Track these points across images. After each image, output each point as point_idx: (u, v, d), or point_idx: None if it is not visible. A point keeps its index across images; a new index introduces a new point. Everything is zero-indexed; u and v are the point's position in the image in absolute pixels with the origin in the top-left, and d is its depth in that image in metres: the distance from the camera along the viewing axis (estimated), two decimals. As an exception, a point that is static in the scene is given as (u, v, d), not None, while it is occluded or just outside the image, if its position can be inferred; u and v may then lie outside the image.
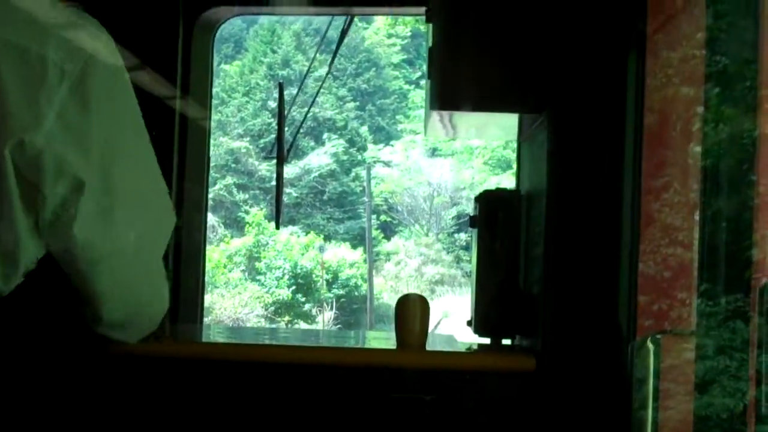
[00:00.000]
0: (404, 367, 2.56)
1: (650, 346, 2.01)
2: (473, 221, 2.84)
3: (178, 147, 3.33)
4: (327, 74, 4.50)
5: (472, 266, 2.89)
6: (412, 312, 2.62)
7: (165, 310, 2.12)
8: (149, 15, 3.32)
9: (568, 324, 2.45)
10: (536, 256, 2.61)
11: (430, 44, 2.62)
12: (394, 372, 2.56)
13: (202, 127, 3.48)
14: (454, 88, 2.60)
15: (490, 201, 2.80)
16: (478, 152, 29.90)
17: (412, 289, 26.36)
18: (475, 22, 2.58)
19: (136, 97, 3.03)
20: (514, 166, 3.08)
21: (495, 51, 2.58)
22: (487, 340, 2.81)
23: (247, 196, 29.38)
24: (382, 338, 3.15)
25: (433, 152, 30.84)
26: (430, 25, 2.64)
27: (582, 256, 2.44)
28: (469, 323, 2.88)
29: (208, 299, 22.47)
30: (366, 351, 2.79)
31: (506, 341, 2.83)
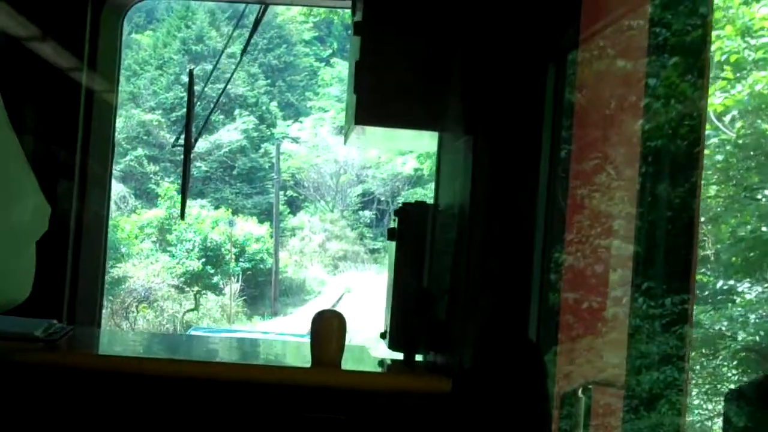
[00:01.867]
0: (319, 385, 2.44)
1: (581, 397, 1.89)
2: (391, 234, 2.74)
3: (83, 128, 3.18)
4: (238, 65, 4.35)
5: (388, 279, 2.77)
6: (327, 329, 2.51)
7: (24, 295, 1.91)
8: None
9: (485, 343, 2.37)
10: (454, 270, 2.53)
11: (357, 57, 2.51)
12: (308, 390, 2.44)
13: (108, 107, 3.34)
14: (381, 104, 2.53)
15: (409, 215, 2.69)
16: (384, 133, 29.79)
17: (316, 264, 26.33)
18: (403, 40, 2.50)
19: (44, 75, 2.85)
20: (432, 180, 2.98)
21: (421, 69, 2.50)
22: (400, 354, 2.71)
23: (157, 168, 28.81)
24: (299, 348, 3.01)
25: (341, 130, 30.65)
26: (357, 37, 2.52)
27: (499, 271, 2.37)
28: (382, 336, 2.77)
29: (121, 268, 22.25)
30: (280, 368, 2.65)
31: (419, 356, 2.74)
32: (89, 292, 3.26)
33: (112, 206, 25.12)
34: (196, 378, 2.44)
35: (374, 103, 2.52)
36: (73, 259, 3.19)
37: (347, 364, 2.54)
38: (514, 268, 2.35)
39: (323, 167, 30.55)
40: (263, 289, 25.32)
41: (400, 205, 2.73)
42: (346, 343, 2.53)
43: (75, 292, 3.19)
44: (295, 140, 31.09)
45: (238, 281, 24.40)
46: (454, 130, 2.55)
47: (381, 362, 2.71)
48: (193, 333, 7.92)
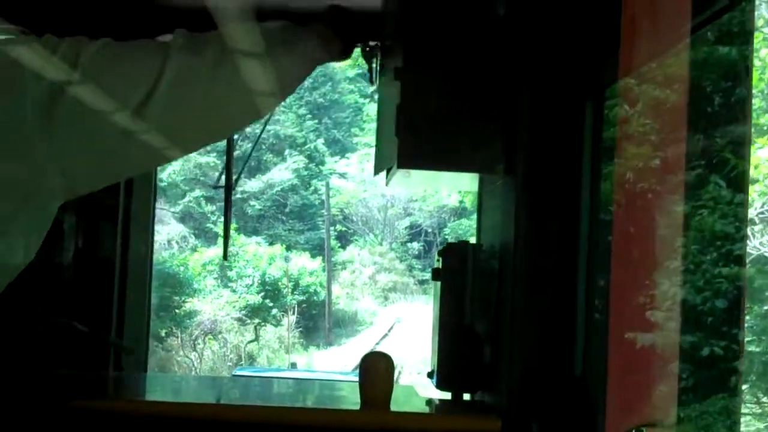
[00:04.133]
0: (368, 427, 2.36)
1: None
2: (436, 273, 2.65)
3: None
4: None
5: (433, 318, 2.68)
6: (375, 370, 2.42)
7: None
8: None
9: (533, 382, 2.26)
10: (500, 308, 2.44)
11: (398, 101, 2.44)
12: (358, 432, 2.36)
13: None
14: (424, 148, 2.45)
15: (453, 254, 2.60)
16: (429, 166, 29.73)
17: (366, 296, 26.28)
18: (443, 83, 2.44)
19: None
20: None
21: (462, 112, 2.43)
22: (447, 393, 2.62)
23: (214, 207, 29.02)
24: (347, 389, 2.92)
25: (386, 166, 30.59)
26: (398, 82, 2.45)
27: (550, 308, 2.27)
28: (429, 375, 2.68)
29: (191, 303, 22.93)
30: (328, 411, 2.56)
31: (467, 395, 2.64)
32: (136, 338, 3.19)
33: (174, 246, 25.48)
34: (242, 423, 2.37)
35: (417, 147, 2.44)
36: (119, 305, 3.13)
37: (395, 404, 2.45)
38: (560, 304, 2.25)
39: (371, 201, 30.53)
40: (317, 320, 25.37)
41: (444, 244, 2.65)
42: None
43: (121, 338, 3.13)
44: (343, 176, 31.13)
45: (293, 313, 24.54)
46: (495, 170, 2.47)
47: (429, 402, 2.62)
48: (238, 373, 7.87)
